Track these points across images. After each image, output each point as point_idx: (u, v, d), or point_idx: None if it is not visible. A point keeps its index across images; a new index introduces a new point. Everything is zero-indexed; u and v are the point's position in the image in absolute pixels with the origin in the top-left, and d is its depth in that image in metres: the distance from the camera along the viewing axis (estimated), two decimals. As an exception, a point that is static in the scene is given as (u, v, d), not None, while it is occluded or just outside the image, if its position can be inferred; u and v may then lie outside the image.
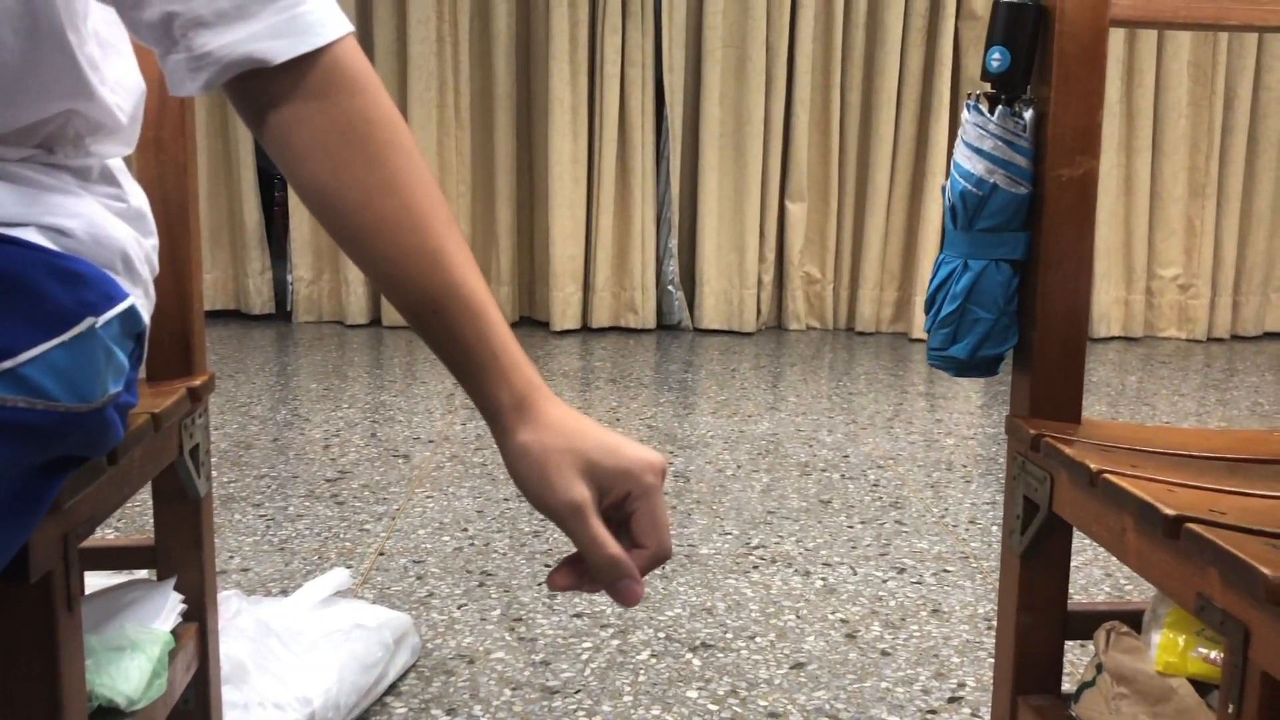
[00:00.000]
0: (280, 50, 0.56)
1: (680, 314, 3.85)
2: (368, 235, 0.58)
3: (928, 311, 0.91)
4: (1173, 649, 0.76)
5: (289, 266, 3.80)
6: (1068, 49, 0.83)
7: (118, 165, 0.77)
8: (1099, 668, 0.82)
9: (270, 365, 3.18)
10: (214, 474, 2.15)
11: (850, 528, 1.93)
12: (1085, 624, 0.88)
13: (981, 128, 0.85)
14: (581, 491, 0.59)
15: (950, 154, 3.38)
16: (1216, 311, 3.80)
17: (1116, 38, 3.65)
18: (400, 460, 2.27)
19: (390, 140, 0.59)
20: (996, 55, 0.84)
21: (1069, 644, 0.91)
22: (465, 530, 1.88)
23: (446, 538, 1.84)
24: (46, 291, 0.59)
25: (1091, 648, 0.86)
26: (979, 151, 0.85)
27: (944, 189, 0.89)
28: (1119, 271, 3.80)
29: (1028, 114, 0.85)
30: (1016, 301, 0.88)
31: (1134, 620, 0.85)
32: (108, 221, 0.70)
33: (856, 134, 3.78)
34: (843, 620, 1.55)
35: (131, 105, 0.74)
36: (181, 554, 0.99)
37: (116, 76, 0.72)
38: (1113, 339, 3.82)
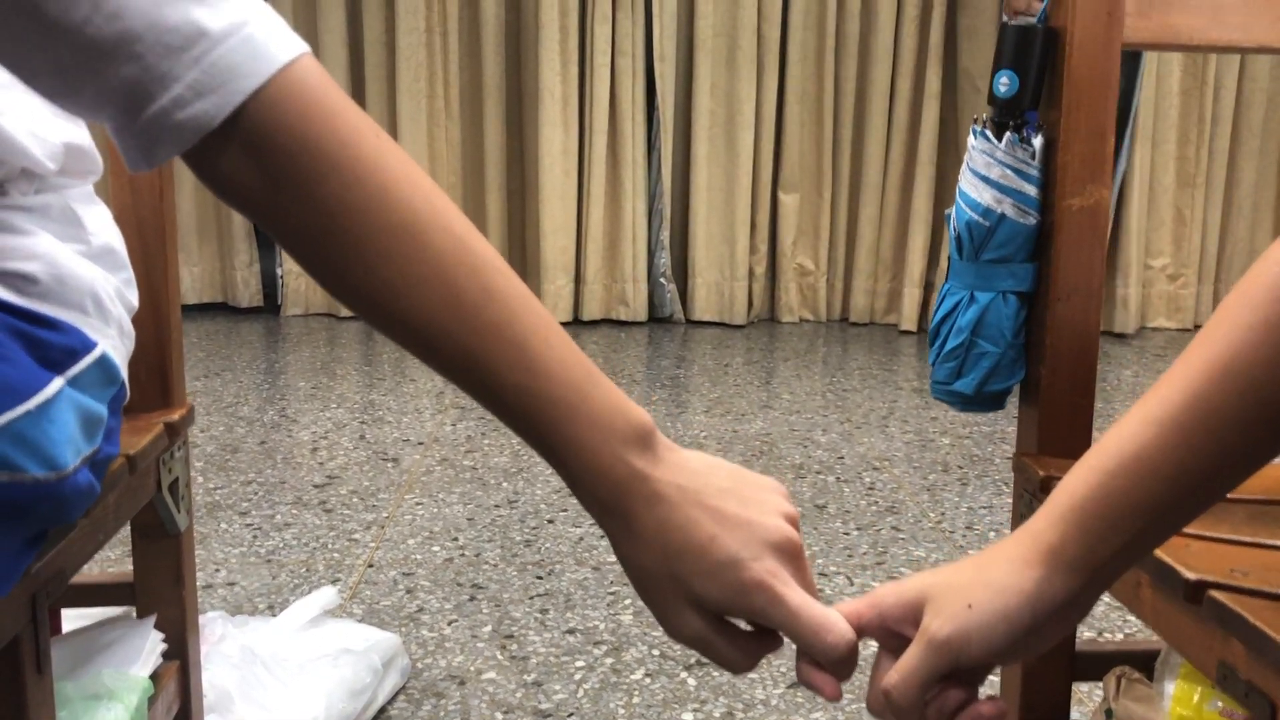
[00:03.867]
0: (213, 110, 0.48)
1: (672, 306, 3.81)
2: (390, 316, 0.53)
3: (932, 343, 0.88)
4: (1187, 701, 0.73)
5: (278, 259, 3.76)
6: (1078, 73, 0.80)
7: (82, 195, 0.73)
8: (1108, 714, 0.80)
9: (258, 362, 3.14)
10: (200, 479, 2.12)
11: (847, 534, 1.91)
12: (1094, 665, 0.86)
13: (989, 155, 0.82)
14: (702, 620, 0.54)
15: (941, 141, 3.34)
16: (1203, 300, 3.78)
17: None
18: (389, 464, 2.24)
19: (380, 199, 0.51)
20: (1004, 79, 0.81)
21: (1076, 685, 0.88)
22: (455, 539, 1.85)
23: (436, 547, 1.81)
24: (8, 354, 0.55)
25: (1100, 690, 0.84)
26: (986, 180, 0.82)
27: (948, 216, 0.86)
28: (1110, 262, 3.77)
29: (1036, 141, 0.82)
30: (1024, 334, 0.85)
31: (1145, 663, 0.82)
32: (72, 261, 0.67)
33: (850, 124, 3.74)
34: (839, 635, 1.53)
35: (59, 146, 0.69)
36: (162, 590, 0.96)
37: (30, 118, 0.67)
38: (1103, 332, 3.81)
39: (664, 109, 3.67)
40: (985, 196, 0.82)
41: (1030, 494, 0.84)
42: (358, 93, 3.64)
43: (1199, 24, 0.82)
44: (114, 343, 0.70)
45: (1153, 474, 0.53)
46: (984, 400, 0.86)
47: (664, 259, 3.78)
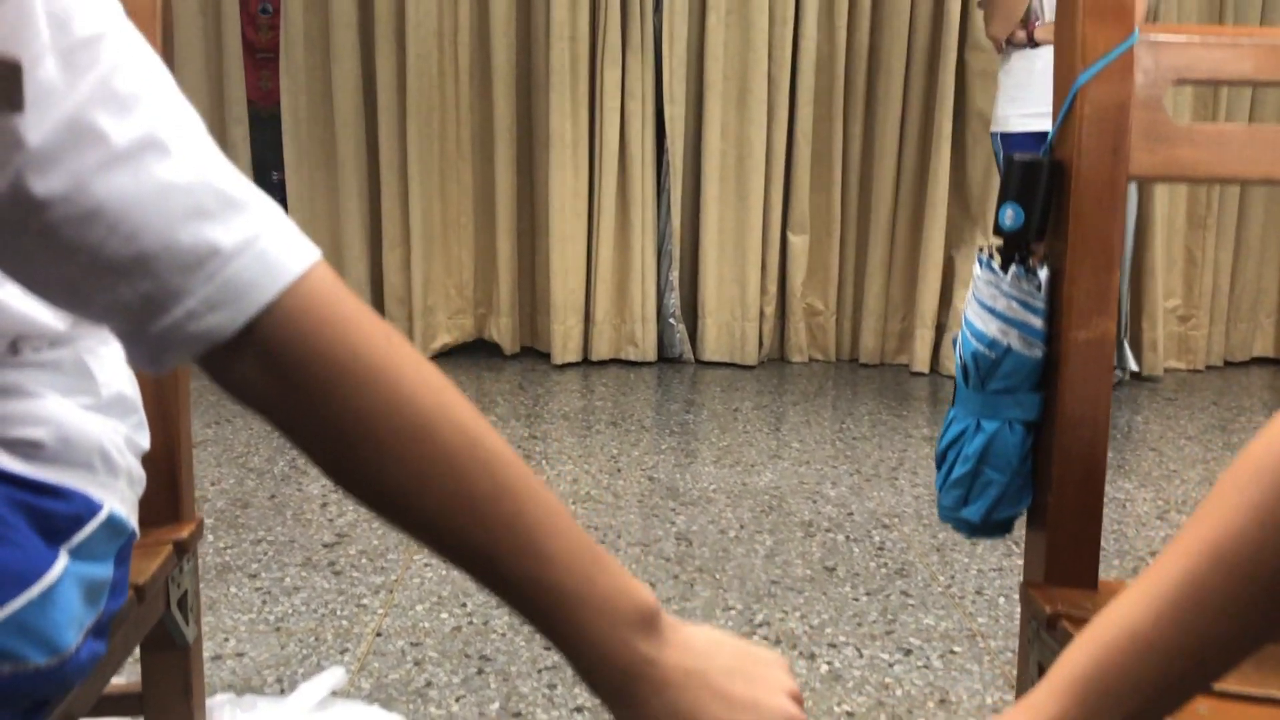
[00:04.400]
0: (223, 323, 0.49)
1: (681, 346, 3.82)
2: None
3: (939, 467, 0.88)
4: None
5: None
6: (1084, 208, 0.80)
7: (94, 340, 0.74)
8: None
9: (268, 407, 3.15)
10: (210, 538, 2.12)
11: (856, 600, 1.90)
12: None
13: (995, 286, 0.82)
14: None
15: (952, 182, 3.33)
16: (1213, 341, 3.77)
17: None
18: (399, 520, 2.24)
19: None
20: (1010, 212, 0.81)
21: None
22: (464, 605, 1.85)
23: (445, 615, 1.81)
24: (12, 535, 0.56)
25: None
26: (992, 311, 0.82)
27: (955, 342, 0.86)
28: (1125, 304, 3.76)
29: (1042, 273, 0.82)
30: (1030, 461, 0.85)
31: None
32: (79, 420, 0.67)
33: (858, 166, 3.75)
34: (849, 714, 1.52)
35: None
36: (171, 702, 0.96)
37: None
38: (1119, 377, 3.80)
39: (674, 151, 3.69)
40: (991, 328, 0.82)
41: (1038, 623, 0.83)
42: (370, 134, 3.67)
43: (1204, 158, 0.82)
44: (122, 494, 0.70)
45: (1149, 650, 0.53)
46: (991, 528, 0.86)
47: (673, 299, 3.78)
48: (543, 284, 3.75)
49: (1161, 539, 2.24)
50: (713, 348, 3.77)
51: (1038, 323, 0.82)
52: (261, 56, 6.12)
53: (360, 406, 0.51)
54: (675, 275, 3.77)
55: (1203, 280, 3.72)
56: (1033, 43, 2.84)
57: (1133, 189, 3.62)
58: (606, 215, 3.66)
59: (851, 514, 2.33)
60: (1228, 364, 3.87)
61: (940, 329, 3.74)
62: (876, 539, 2.20)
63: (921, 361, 3.69)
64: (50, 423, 0.65)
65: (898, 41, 3.60)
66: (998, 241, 0.84)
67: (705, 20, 3.60)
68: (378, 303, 3.76)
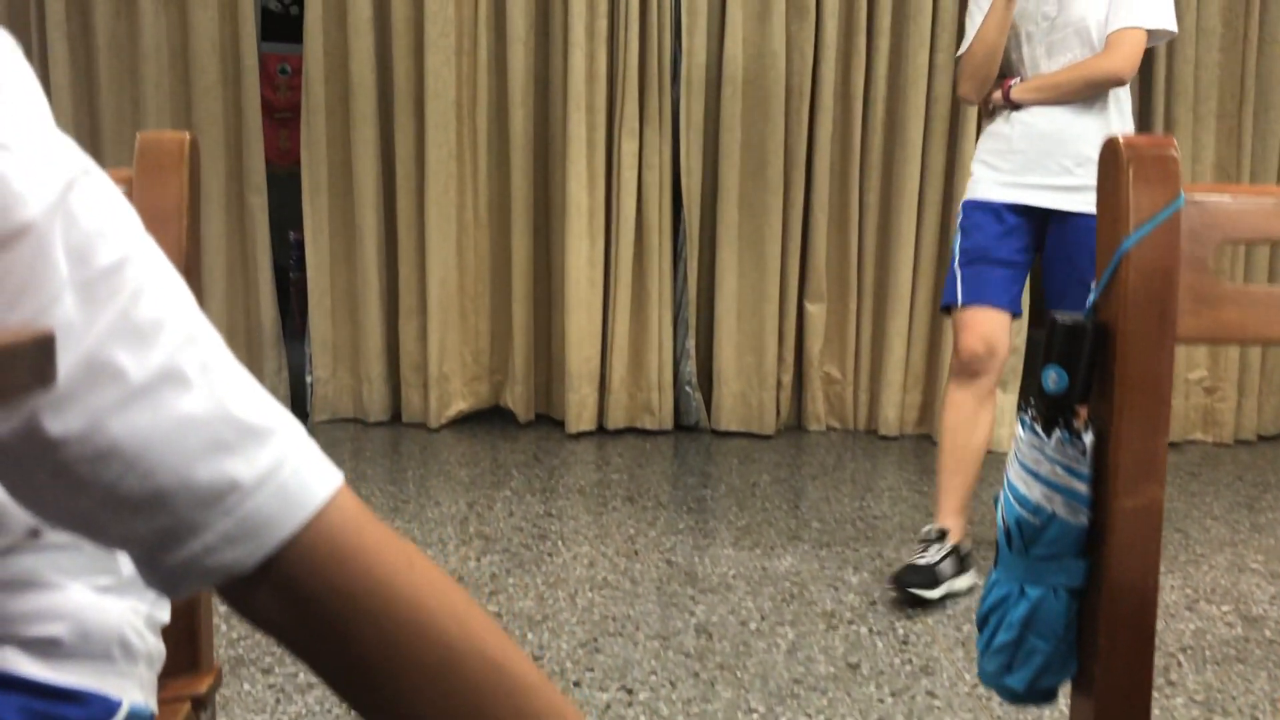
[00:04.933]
0: (243, 557, 0.48)
1: (697, 415, 3.79)
2: None
3: (980, 630, 0.85)
4: None
5: (308, 366, 3.77)
6: (1131, 372, 0.78)
7: None
8: None
9: (283, 480, 3.13)
10: (223, 627, 2.10)
11: (881, 701, 1.86)
12: None
13: (1038, 450, 0.80)
14: None
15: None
16: (1243, 414, 3.72)
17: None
18: (414, 608, 2.21)
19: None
20: (1053, 375, 0.79)
21: None
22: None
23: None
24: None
25: None
26: (1035, 475, 0.80)
27: (996, 500, 0.83)
28: (1145, 374, 3.73)
29: (1087, 437, 0.80)
30: (1076, 628, 0.82)
31: None
32: (98, 609, 0.66)
33: (875, 235, 3.74)
34: (876, 835, 1.48)
35: None
36: None
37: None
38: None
39: (690, 220, 3.69)
40: (1035, 493, 0.80)
41: (1086, 801, 0.80)
42: (388, 202, 3.68)
43: (1252, 320, 0.80)
44: (141, 678, 0.68)
45: None
46: (1035, 695, 0.83)
47: (689, 367, 3.77)
48: (558, 352, 3.74)
49: (1192, 632, 2.20)
50: (729, 416, 3.74)
51: (1083, 488, 0.80)
52: (280, 117, 6.20)
53: (382, 640, 0.49)
54: (691, 343, 3.76)
55: (1228, 352, 3.69)
56: (1011, 104, 2.43)
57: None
58: (623, 284, 3.66)
59: (874, 603, 2.29)
60: (1262, 439, 3.81)
61: (959, 399, 3.70)
62: (900, 631, 2.15)
63: (940, 432, 3.65)
64: (70, 617, 0.63)
65: (915, 112, 3.60)
66: (1040, 404, 0.81)
67: (721, 92, 3.61)
68: (393, 370, 3.76)
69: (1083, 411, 0.81)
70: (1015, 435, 0.82)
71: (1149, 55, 3.61)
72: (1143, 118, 3.67)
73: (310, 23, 3.58)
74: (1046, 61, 2.38)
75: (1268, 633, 2.21)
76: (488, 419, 3.79)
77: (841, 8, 3.60)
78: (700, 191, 3.70)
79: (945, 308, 2.50)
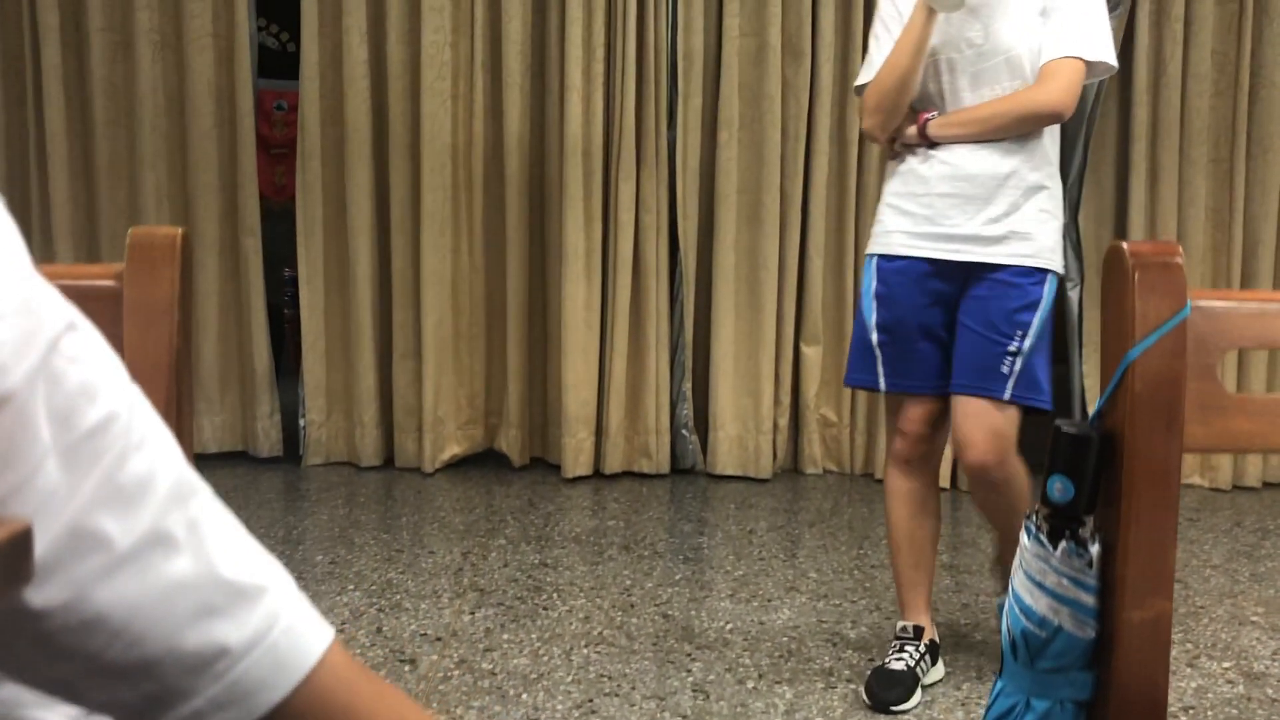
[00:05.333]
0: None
1: (694, 458, 3.77)
2: None
3: (985, 742, 0.83)
4: None
5: (301, 409, 3.75)
6: (1139, 484, 0.77)
7: None
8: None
9: (276, 529, 3.11)
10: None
11: (879, 767, 1.83)
12: None
13: (1044, 561, 0.78)
14: None
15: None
16: (1244, 458, 3.71)
17: (1139, 182, 3.62)
18: (406, 666, 2.18)
19: None
20: (1059, 485, 0.78)
21: None
22: (474, 774, 1.78)
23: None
24: None
25: None
26: (1041, 586, 0.78)
27: (999, 608, 0.82)
28: (1142, 417, 3.72)
29: (1093, 548, 0.78)
30: (1084, 741, 0.80)
31: None
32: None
33: (872, 277, 3.73)
34: None
35: None
36: None
37: None
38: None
39: (686, 263, 3.68)
40: (1041, 605, 0.78)
41: None
42: (383, 245, 3.67)
43: (1260, 429, 0.79)
44: None
45: None
46: (1043, 809, 0.81)
47: (686, 411, 3.75)
48: (554, 396, 3.72)
49: (1194, 690, 2.17)
50: (725, 460, 3.72)
51: (1090, 600, 0.78)
52: (276, 152, 6.21)
53: None
54: (688, 387, 3.74)
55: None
56: (928, 141, 2.03)
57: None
58: (619, 327, 3.65)
59: (873, 659, 2.26)
60: (1269, 485, 3.77)
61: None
62: (899, 691, 2.12)
63: (943, 478, 3.63)
64: None
65: (910, 157, 3.61)
66: (1046, 513, 0.80)
67: (717, 135, 3.62)
68: (386, 413, 3.73)
69: (1090, 522, 0.80)
70: (1021, 544, 0.80)
71: (1127, 99, 3.63)
72: (1123, 163, 3.67)
73: (306, 65, 3.58)
74: (971, 93, 2.00)
75: (1269, 690, 2.18)
76: (482, 463, 3.77)
77: (836, 51, 3.62)
78: (697, 234, 3.70)
79: (858, 387, 2.24)
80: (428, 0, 3.51)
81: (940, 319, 2.06)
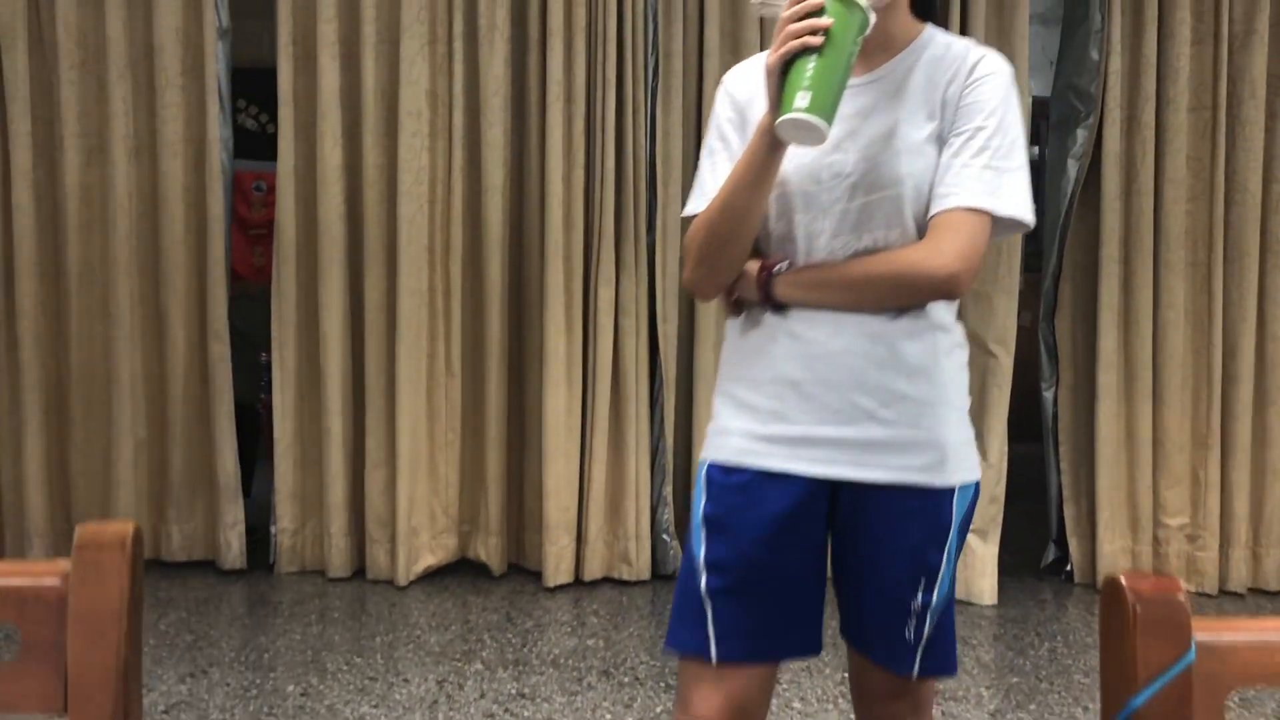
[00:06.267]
0: None
1: (675, 563, 3.71)
2: None
3: None
4: None
5: (273, 516, 3.67)
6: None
7: None
8: None
9: (246, 653, 3.01)
10: None
11: None
12: None
13: None
14: None
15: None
16: (1231, 564, 3.67)
17: (1111, 285, 3.61)
18: (378, 828, 2.10)
19: None
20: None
21: None
22: None
23: None
24: None
25: None
26: None
27: None
28: (1124, 521, 3.69)
29: None
30: None
31: None
32: None
33: (853, 380, 3.71)
34: None
35: None
36: None
37: None
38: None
39: (667, 366, 3.65)
40: None
41: None
42: (356, 351, 3.62)
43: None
44: None
45: None
46: None
47: (667, 515, 3.70)
48: (532, 502, 3.66)
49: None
50: (707, 566, 3.66)
51: None
52: (254, 233, 6.17)
53: None
54: (669, 490, 3.69)
55: (1208, 501, 3.65)
56: (773, 303, 1.43)
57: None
58: (600, 431, 3.60)
59: (859, 813, 2.20)
60: (1256, 591, 3.73)
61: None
62: None
63: (922, 582, 3.59)
64: None
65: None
66: None
67: (698, 240, 3.60)
68: (358, 525, 3.66)
69: None
70: None
71: (1093, 206, 3.63)
72: (1091, 266, 3.66)
73: (282, 175, 3.55)
74: (833, 240, 1.40)
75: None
76: (458, 571, 3.69)
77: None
78: (676, 337, 3.67)
79: (681, 654, 1.47)
80: (405, 105, 3.50)
81: (801, 560, 1.43)
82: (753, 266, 1.44)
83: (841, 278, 1.39)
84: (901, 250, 1.38)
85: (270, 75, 3.56)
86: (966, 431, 1.46)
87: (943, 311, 1.44)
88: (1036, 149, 5.42)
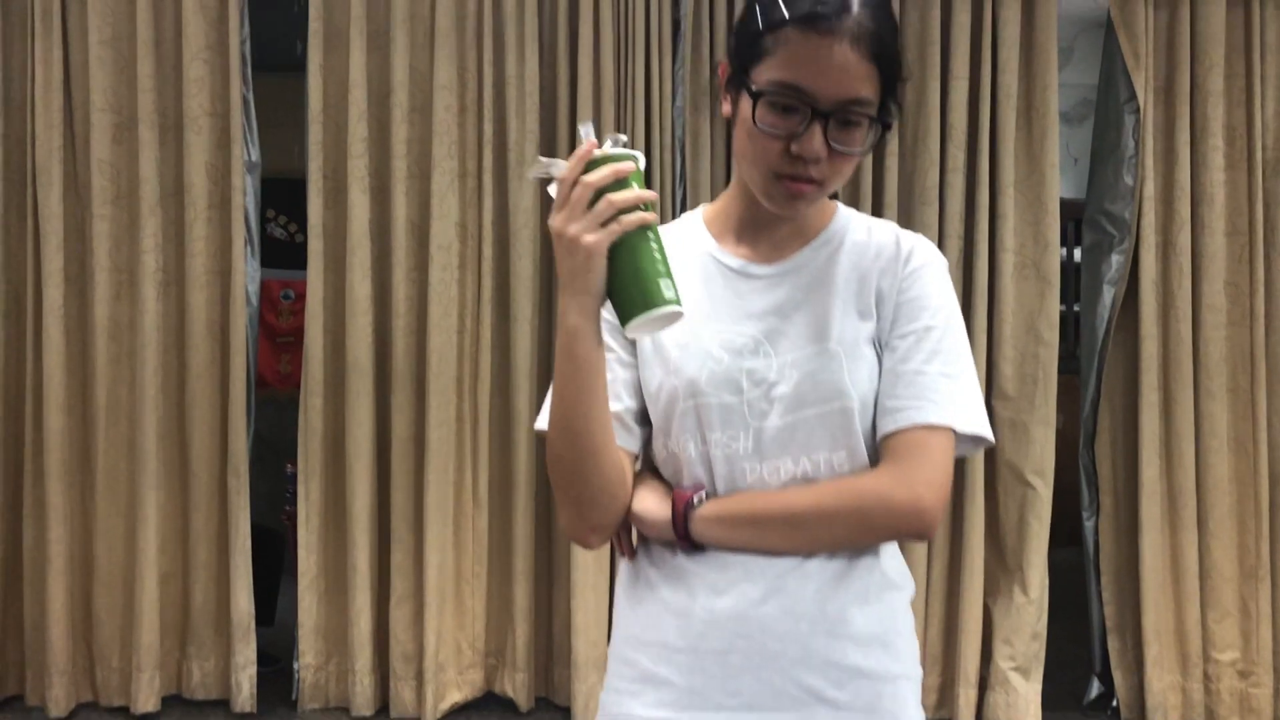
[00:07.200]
0: None
1: (707, 700, 3.60)
2: None
3: None
4: None
5: (295, 654, 3.59)
6: None
7: None
8: None
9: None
10: None
11: None
12: None
13: None
14: None
15: (987, 533, 2.92)
16: (1285, 702, 3.54)
17: (1151, 412, 3.54)
18: None
19: None
20: None
21: None
22: None
23: None
24: None
25: None
26: None
27: None
28: (1172, 656, 3.56)
29: None
30: None
31: None
32: None
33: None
34: None
35: None
36: None
37: None
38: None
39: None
40: None
41: None
42: (383, 484, 3.57)
43: None
44: None
45: None
46: None
47: (699, 649, 3.59)
48: (560, 637, 3.58)
49: None
50: (741, 703, 3.55)
51: None
52: (282, 341, 6.19)
53: None
54: (700, 624, 3.59)
55: (1260, 634, 3.52)
56: (689, 544, 1.15)
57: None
58: (628, 564, 3.52)
59: None
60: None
61: (983, 685, 3.53)
62: None
63: (966, 717, 3.47)
64: None
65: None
66: None
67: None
68: (382, 661, 3.57)
69: None
70: None
71: (1130, 330, 3.57)
72: (1131, 393, 3.59)
73: (311, 305, 3.55)
74: (762, 463, 1.14)
75: None
76: (485, 708, 3.60)
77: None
78: (707, 467, 3.60)
79: None
80: (435, 239, 3.49)
81: None
82: (649, 498, 1.16)
83: (782, 511, 1.11)
84: (856, 478, 1.11)
85: (299, 185, 3.56)
86: (917, 696, 1.19)
87: (894, 559, 1.19)
88: (1064, 249, 5.38)
